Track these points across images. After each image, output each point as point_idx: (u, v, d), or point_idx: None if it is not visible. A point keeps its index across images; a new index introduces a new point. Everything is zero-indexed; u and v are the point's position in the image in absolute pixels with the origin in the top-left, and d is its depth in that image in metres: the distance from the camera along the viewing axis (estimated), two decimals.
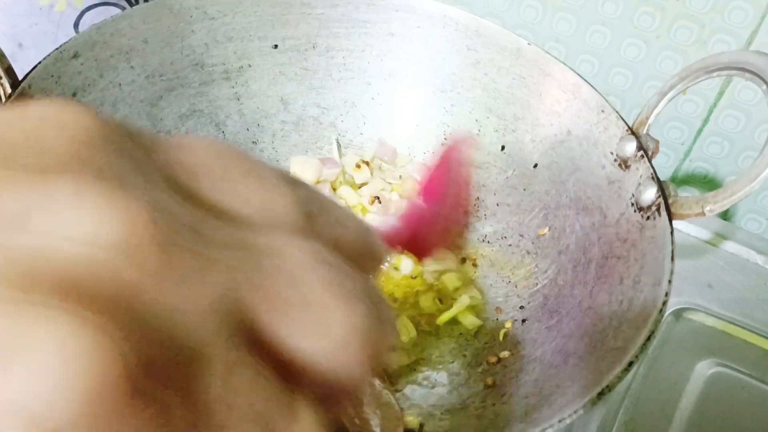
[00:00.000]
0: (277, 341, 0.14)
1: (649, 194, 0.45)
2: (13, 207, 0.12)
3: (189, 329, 0.12)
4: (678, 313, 0.57)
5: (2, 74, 0.43)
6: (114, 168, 0.13)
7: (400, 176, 0.61)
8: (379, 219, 0.57)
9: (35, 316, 0.11)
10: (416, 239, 0.37)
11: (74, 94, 0.48)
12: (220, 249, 0.14)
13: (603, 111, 0.50)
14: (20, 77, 0.44)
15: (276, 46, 0.59)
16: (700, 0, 0.58)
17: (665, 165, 0.67)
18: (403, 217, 0.37)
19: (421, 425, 0.45)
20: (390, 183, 0.61)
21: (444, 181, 0.44)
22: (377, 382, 0.46)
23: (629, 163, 0.47)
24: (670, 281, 0.40)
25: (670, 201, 0.44)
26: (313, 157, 0.61)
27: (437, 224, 0.40)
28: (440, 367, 0.50)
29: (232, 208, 0.15)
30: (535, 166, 0.55)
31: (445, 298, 0.53)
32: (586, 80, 0.52)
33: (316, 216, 0.17)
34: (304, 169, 0.59)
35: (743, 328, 0.57)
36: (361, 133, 0.61)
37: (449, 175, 0.44)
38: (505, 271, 0.55)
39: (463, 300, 0.52)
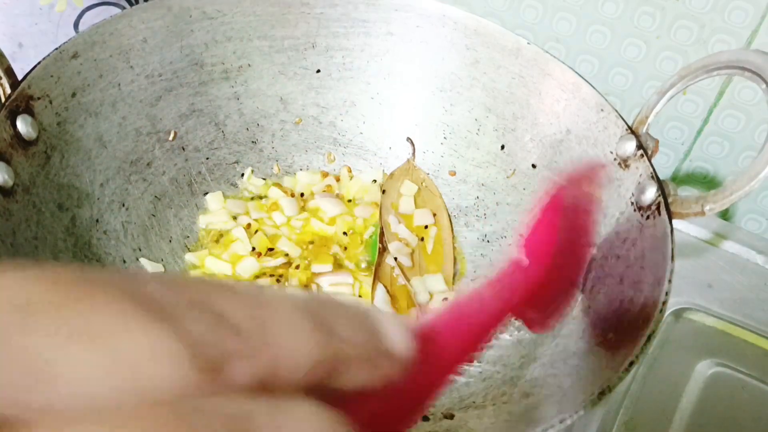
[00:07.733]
0: None
1: (649, 193, 0.45)
2: None
3: None
4: (678, 313, 0.57)
5: (2, 74, 0.43)
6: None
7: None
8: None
9: None
10: (525, 304, 0.32)
11: (74, 95, 0.48)
12: None
13: (602, 110, 0.50)
14: (20, 77, 0.44)
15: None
16: (700, 0, 0.58)
17: (665, 165, 0.67)
18: (498, 280, 0.31)
19: (426, 418, 0.44)
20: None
21: (553, 232, 0.36)
22: None
23: (629, 162, 0.47)
24: (670, 281, 0.40)
25: (669, 200, 0.44)
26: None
27: (544, 289, 0.34)
28: None
29: None
30: (534, 165, 0.55)
31: None
32: (585, 79, 0.52)
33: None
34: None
35: (743, 328, 0.57)
36: (361, 133, 0.61)
37: (560, 223, 0.37)
38: None
39: None
